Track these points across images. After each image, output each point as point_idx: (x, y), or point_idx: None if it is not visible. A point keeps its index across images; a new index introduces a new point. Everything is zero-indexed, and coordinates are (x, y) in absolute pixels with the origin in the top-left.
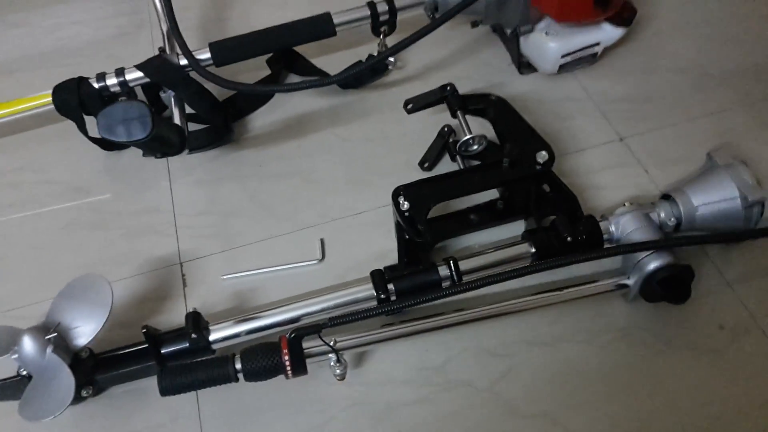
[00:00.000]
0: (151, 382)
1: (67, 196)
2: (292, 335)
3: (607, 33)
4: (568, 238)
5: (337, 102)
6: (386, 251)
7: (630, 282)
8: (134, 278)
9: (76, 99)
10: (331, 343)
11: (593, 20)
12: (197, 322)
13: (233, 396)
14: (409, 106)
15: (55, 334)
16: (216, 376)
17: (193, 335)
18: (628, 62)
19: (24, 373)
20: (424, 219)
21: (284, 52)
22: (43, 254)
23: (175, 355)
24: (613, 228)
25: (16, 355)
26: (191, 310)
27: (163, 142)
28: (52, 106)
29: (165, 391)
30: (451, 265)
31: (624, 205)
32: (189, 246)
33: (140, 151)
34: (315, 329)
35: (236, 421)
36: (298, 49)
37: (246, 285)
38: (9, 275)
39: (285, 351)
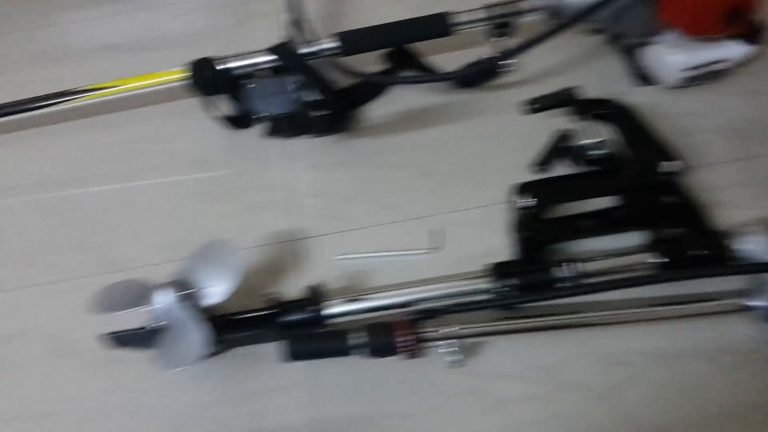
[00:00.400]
0: (265, 348)
1: (191, 168)
2: (413, 317)
3: (736, 50)
4: (700, 251)
5: (449, 100)
6: (495, 249)
7: (760, 304)
8: (251, 250)
9: (206, 77)
10: (451, 330)
11: (721, 35)
12: (317, 295)
13: (344, 370)
14: (534, 105)
15: (192, 290)
16: (337, 348)
17: (313, 307)
18: (759, 82)
19: (155, 325)
20: (545, 217)
21: (400, 48)
22: (168, 219)
23: (292, 325)
24: (741, 245)
25: (150, 307)
26: (312, 284)
27: (295, 121)
28: (179, 83)
29: (293, 355)
30: (573, 265)
31: (753, 224)
32: (303, 225)
33: (261, 132)
34: (435, 314)
35: (344, 393)
36: (411, 47)
37: (357, 267)
38: (136, 236)
39: (405, 332)
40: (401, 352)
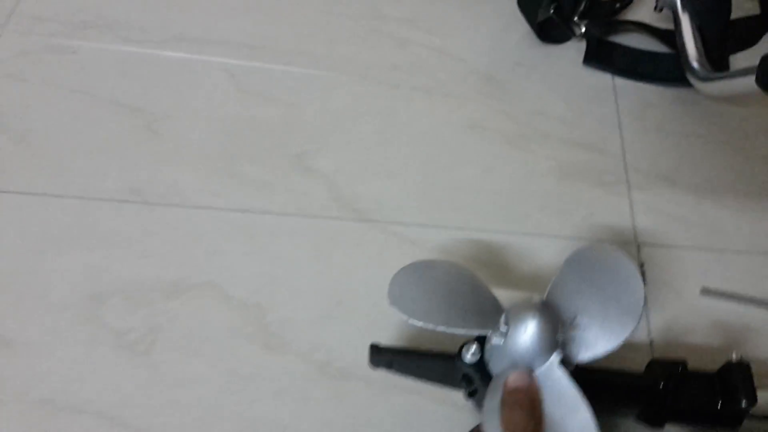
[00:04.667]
0: None
1: (468, 80)
2: None
3: None
4: None
5: None
6: None
7: None
8: (567, 242)
9: None
10: None
11: None
12: (745, 381)
13: None
14: None
15: (571, 335)
16: None
17: (744, 403)
18: None
19: (470, 358)
20: None
21: None
22: (441, 158)
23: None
24: None
25: (498, 340)
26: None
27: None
28: None
29: None
30: None
31: None
32: (646, 222)
33: (580, 56)
34: None
35: None
36: None
37: (735, 317)
38: (388, 173)
39: None
40: None
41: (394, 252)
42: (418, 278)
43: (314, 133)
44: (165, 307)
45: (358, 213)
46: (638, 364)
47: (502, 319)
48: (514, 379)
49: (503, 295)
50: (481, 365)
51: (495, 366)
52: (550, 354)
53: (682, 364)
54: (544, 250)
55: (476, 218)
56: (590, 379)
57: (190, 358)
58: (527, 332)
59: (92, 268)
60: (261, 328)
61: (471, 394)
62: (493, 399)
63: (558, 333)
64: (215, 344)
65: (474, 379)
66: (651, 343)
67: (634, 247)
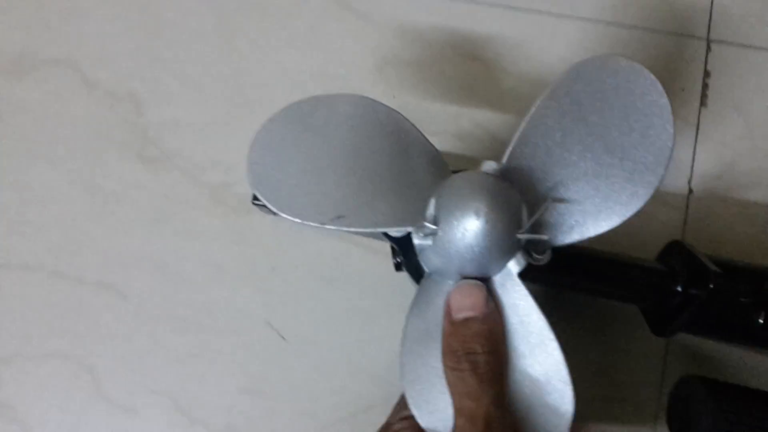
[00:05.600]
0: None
1: None
2: None
3: None
4: None
5: None
6: None
7: None
8: (602, 28)
9: None
10: None
11: None
12: None
13: None
14: None
15: (546, 219)
16: None
17: None
18: None
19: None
20: None
21: None
22: None
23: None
24: None
25: (423, 241)
26: None
27: None
28: None
29: None
30: None
31: None
32: (731, 4)
33: None
34: None
35: None
36: None
37: None
38: None
39: None
40: None
41: (334, 25)
42: (301, 133)
43: None
44: (3, 93)
45: None
46: (661, 224)
47: (429, 209)
48: (460, 303)
49: (483, 119)
50: (410, 243)
51: (427, 262)
52: (505, 260)
53: (719, 269)
54: (564, 38)
55: None
56: (573, 265)
57: (37, 164)
58: (466, 238)
59: None
60: (135, 130)
61: (398, 267)
62: (418, 325)
63: (522, 227)
64: (72, 148)
65: (401, 258)
66: (689, 192)
67: (701, 43)
